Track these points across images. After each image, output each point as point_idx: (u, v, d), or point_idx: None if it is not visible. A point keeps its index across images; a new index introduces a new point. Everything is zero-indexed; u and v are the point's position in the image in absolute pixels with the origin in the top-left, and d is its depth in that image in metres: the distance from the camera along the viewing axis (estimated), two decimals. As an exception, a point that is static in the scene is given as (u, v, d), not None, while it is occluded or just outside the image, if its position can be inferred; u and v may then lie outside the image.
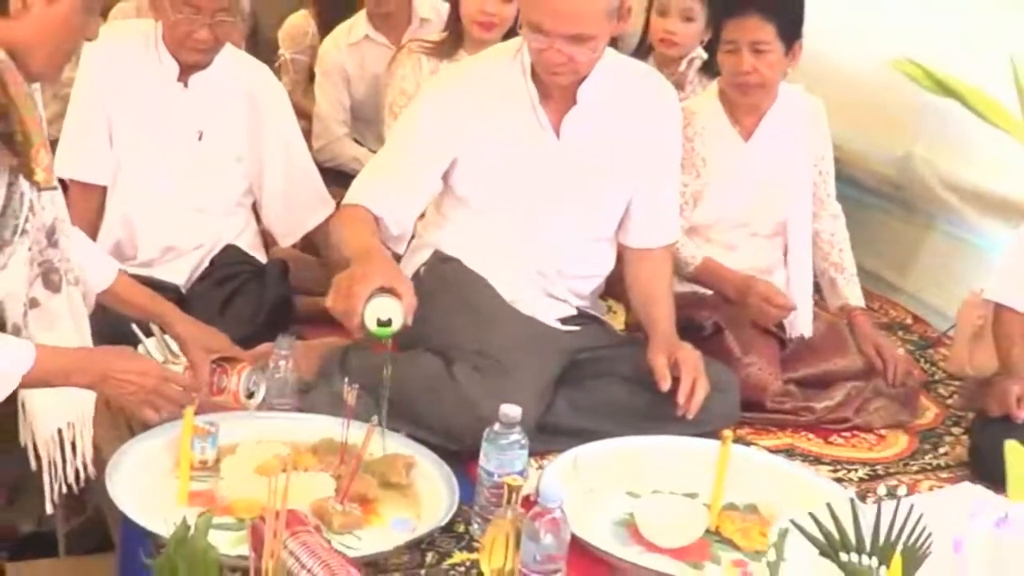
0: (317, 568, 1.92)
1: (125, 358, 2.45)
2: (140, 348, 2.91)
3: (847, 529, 1.59)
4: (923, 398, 3.52)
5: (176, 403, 2.49)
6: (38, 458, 2.61)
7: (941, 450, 3.26)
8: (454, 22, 4.19)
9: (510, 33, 4.01)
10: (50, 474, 2.60)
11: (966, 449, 3.20)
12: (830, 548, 1.53)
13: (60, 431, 2.59)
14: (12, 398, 2.48)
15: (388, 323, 2.65)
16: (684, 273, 3.52)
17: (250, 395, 2.88)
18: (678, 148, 3.32)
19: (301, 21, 5.31)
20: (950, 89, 1.09)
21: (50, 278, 2.38)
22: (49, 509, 2.65)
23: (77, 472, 2.63)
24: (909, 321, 4.17)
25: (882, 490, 1.90)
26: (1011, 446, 2.34)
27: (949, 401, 3.56)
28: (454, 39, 4.20)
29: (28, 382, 2.28)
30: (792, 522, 1.66)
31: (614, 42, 3.28)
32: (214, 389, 2.86)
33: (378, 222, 3.04)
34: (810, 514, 1.65)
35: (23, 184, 2.26)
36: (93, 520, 3.56)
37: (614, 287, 3.51)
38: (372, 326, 2.65)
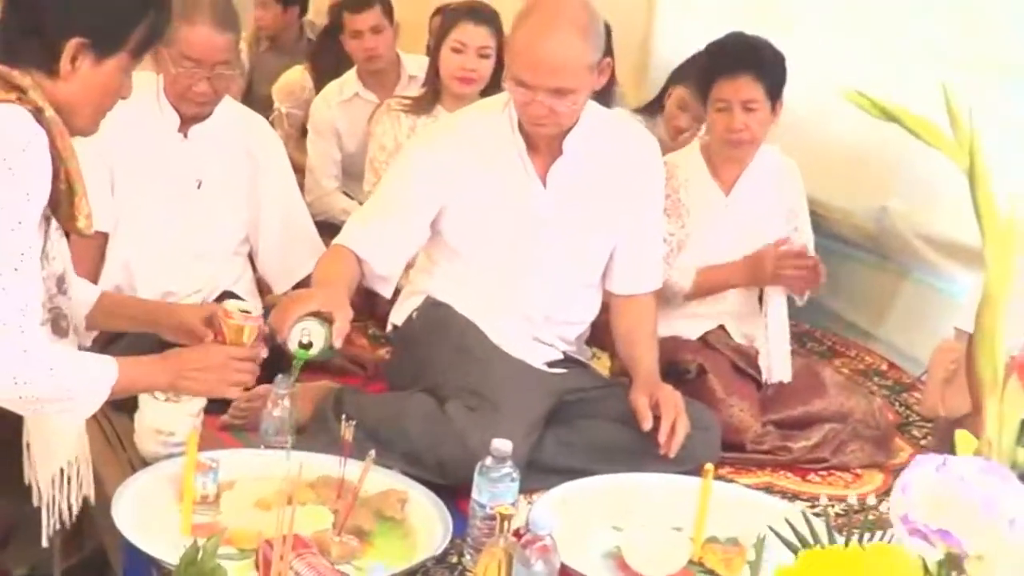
0: (321, 585, 2.03)
1: (188, 352, 2.60)
2: None
3: (821, 533, 1.69)
4: (898, 439, 3.64)
5: (248, 375, 2.63)
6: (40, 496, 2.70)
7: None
8: (433, 78, 4.37)
9: (487, 88, 4.19)
10: (48, 511, 2.68)
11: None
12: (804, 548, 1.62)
13: (62, 469, 2.67)
14: (14, 441, 2.60)
15: (309, 346, 2.76)
16: (684, 296, 3.67)
17: (304, 346, 2.82)
18: (660, 198, 3.45)
19: (298, 77, 5.47)
20: (892, 115, 1.19)
21: (59, 324, 2.47)
22: (44, 543, 2.71)
23: (71, 508, 2.70)
24: (884, 367, 4.28)
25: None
26: (961, 434, 2.37)
27: (923, 442, 3.67)
28: (432, 96, 4.39)
29: (116, 392, 2.40)
30: (770, 527, 1.76)
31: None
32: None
33: (361, 264, 3.15)
34: (786, 520, 1.75)
35: (50, 234, 2.38)
36: (90, 560, 3.63)
37: (600, 336, 3.63)
38: (293, 346, 2.76)
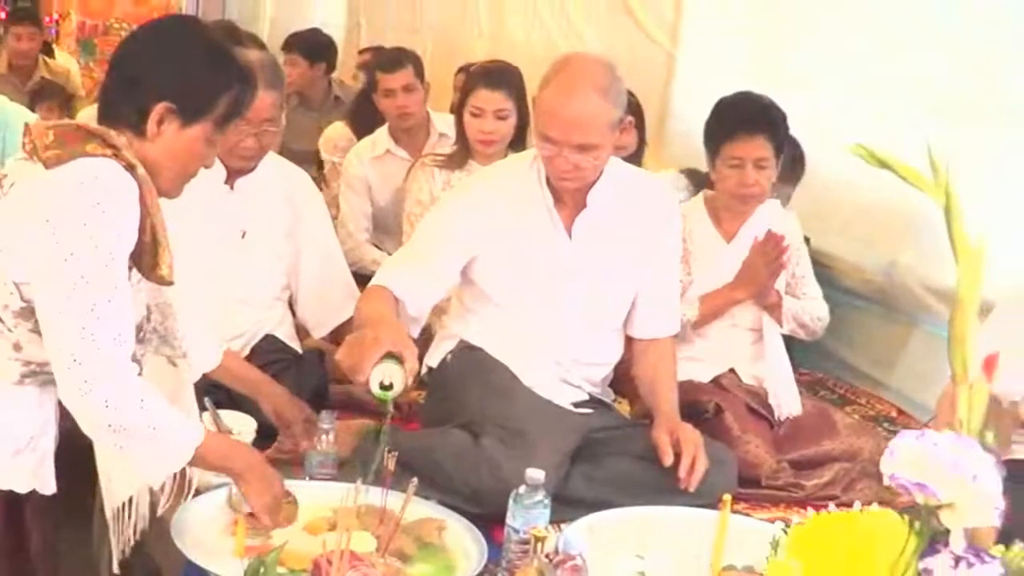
0: (377, 593, 2.21)
1: (267, 469, 2.76)
2: None
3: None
4: (906, 481, 3.80)
5: (272, 525, 2.77)
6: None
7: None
8: (462, 137, 4.59)
9: (514, 141, 4.43)
10: (117, 536, 2.85)
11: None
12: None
13: (124, 504, 2.83)
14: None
15: (390, 387, 2.90)
16: (692, 326, 3.87)
17: (386, 388, 2.93)
18: (678, 247, 3.66)
19: (340, 131, 5.69)
20: (884, 163, 1.38)
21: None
22: (116, 569, 2.89)
23: (130, 539, 2.86)
24: (894, 414, 4.43)
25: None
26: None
27: (931, 484, 3.83)
28: (463, 152, 4.60)
29: (197, 455, 2.57)
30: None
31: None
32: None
33: (398, 303, 3.32)
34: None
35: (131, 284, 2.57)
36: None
37: (620, 384, 3.82)
38: (375, 388, 2.90)
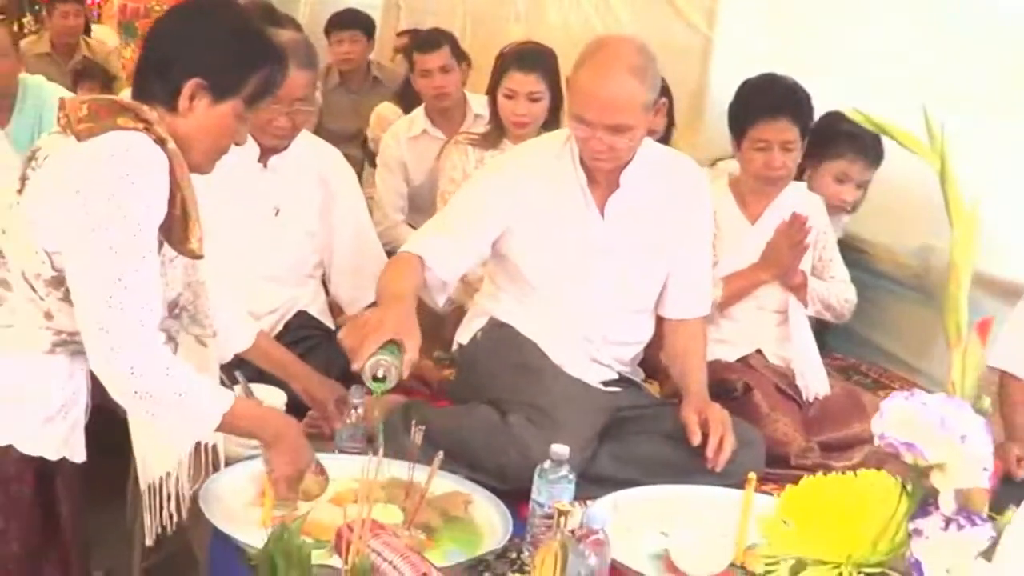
0: (397, 560, 2.22)
1: (297, 439, 2.78)
2: None
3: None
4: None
5: (286, 495, 2.80)
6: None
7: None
8: (496, 118, 4.61)
9: (547, 122, 4.45)
10: (151, 515, 2.88)
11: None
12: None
13: (160, 479, 2.87)
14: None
15: (383, 379, 2.88)
16: (717, 306, 3.87)
17: (378, 379, 2.91)
18: (710, 229, 3.67)
19: (389, 110, 5.73)
20: (881, 128, 1.40)
21: (167, 345, 2.66)
22: (149, 542, 2.92)
23: (171, 515, 2.89)
24: (928, 400, 4.43)
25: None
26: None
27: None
28: (498, 132, 4.62)
29: (226, 421, 2.60)
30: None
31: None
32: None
33: (424, 269, 3.34)
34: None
35: (164, 260, 2.62)
36: (169, 560, 3.85)
37: (651, 364, 3.82)
38: (367, 379, 2.88)
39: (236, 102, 2.63)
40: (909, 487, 1.38)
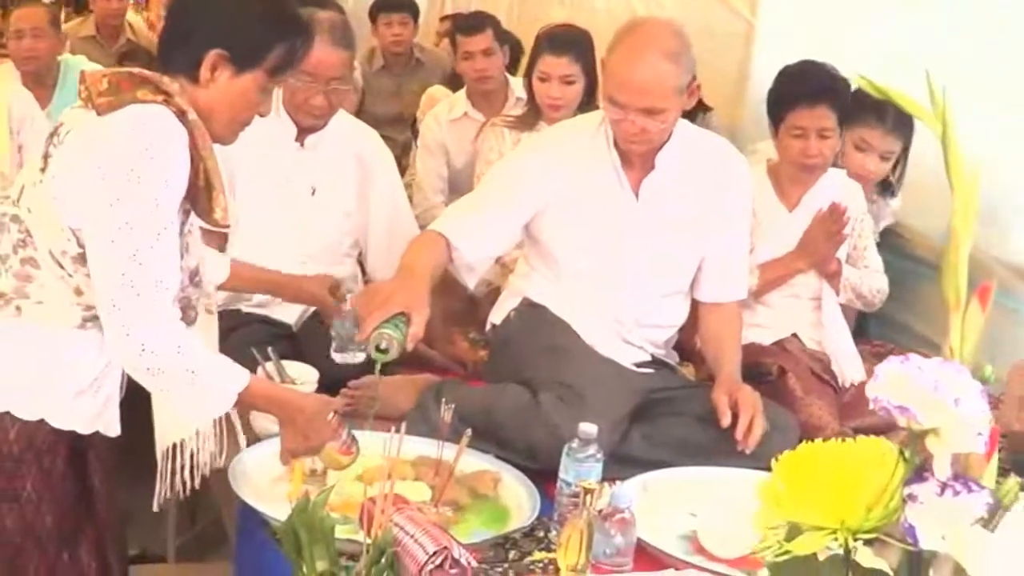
0: (419, 534, 2.23)
1: (314, 416, 2.75)
2: (259, 371, 3.25)
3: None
4: (971, 450, 3.76)
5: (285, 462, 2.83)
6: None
7: (986, 496, 3.50)
8: (532, 100, 4.62)
9: (582, 104, 4.44)
10: (161, 480, 2.90)
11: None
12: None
13: (174, 445, 2.88)
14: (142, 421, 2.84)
15: (386, 350, 2.85)
16: (752, 293, 3.83)
17: (380, 351, 2.87)
18: (747, 212, 3.65)
19: (443, 92, 5.73)
20: (884, 93, 1.40)
21: (187, 313, 2.67)
22: (155, 508, 2.92)
23: (184, 483, 2.90)
24: (964, 385, 4.40)
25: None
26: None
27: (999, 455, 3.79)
28: (534, 113, 4.62)
29: (241, 399, 2.61)
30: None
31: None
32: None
33: (451, 249, 3.34)
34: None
35: (187, 229, 2.63)
36: (202, 535, 3.89)
37: (687, 348, 3.81)
38: (372, 349, 2.86)
39: (258, 74, 2.61)
40: (907, 453, 1.38)
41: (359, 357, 3.31)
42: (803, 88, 3.86)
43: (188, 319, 2.67)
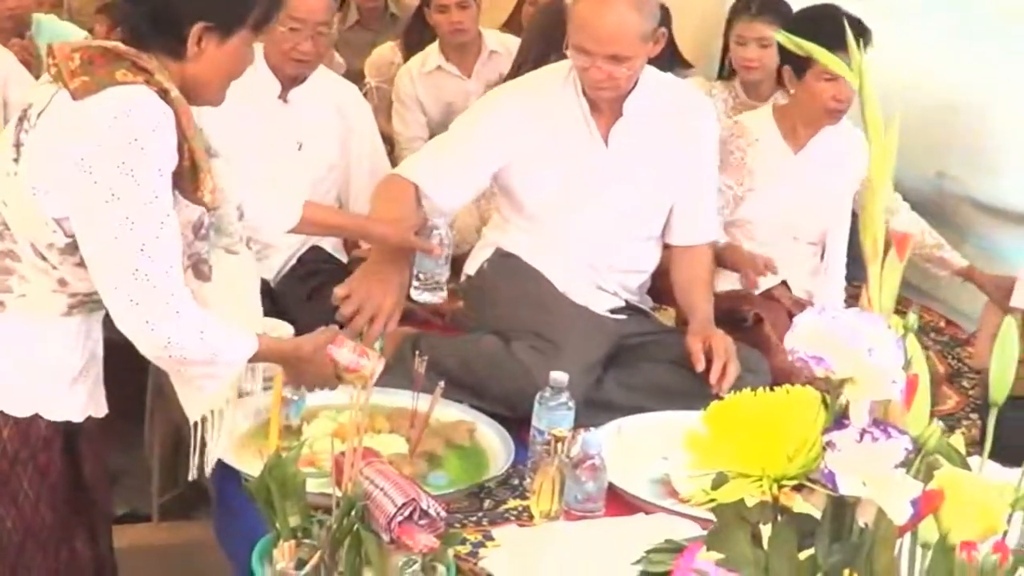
0: (389, 487, 2.26)
1: (311, 359, 2.74)
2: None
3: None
4: (945, 387, 3.79)
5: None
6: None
7: (958, 431, 3.54)
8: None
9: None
10: (194, 451, 2.79)
11: (979, 431, 3.48)
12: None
13: (206, 417, 2.76)
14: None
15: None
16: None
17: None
18: (714, 154, 3.68)
19: (388, 52, 5.72)
20: (805, 48, 1.45)
21: (200, 269, 2.61)
22: (192, 476, 2.83)
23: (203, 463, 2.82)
24: (942, 324, 4.41)
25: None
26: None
27: (971, 392, 3.84)
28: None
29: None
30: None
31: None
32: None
33: (420, 197, 3.42)
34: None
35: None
36: (183, 496, 3.93)
37: (665, 292, 3.82)
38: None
39: (244, 33, 2.52)
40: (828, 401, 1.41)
41: (440, 296, 3.43)
42: (835, 30, 3.77)
43: (202, 276, 2.62)
